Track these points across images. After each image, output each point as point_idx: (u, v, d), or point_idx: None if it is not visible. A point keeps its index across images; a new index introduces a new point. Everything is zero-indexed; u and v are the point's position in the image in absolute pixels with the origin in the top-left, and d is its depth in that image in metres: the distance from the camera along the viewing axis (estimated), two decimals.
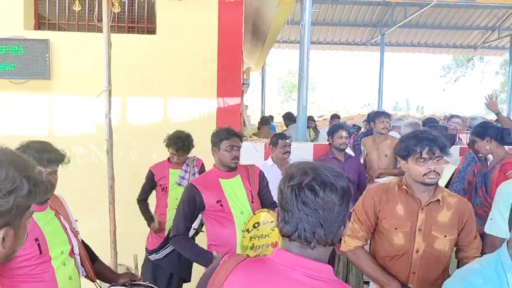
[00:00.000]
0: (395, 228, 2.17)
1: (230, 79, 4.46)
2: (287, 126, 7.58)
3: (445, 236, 2.14)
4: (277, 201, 1.17)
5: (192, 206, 2.64)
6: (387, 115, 4.64)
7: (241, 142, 2.81)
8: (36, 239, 1.86)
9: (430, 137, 2.10)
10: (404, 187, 2.19)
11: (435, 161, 2.08)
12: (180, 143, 3.54)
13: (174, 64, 4.52)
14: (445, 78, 24.68)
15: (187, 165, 3.70)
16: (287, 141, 4.07)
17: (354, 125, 11.36)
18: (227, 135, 2.73)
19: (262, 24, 7.42)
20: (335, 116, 7.15)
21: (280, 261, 1.11)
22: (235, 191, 2.71)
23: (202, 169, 3.74)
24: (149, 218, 3.74)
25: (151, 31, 4.80)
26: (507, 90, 14.96)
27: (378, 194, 2.24)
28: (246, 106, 5.89)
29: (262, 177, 2.89)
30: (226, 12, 4.45)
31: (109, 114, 3.06)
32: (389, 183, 2.34)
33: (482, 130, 3.55)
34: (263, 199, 2.85)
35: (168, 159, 3.73)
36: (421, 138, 2.10)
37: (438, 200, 2.15)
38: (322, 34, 13.68)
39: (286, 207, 1.10)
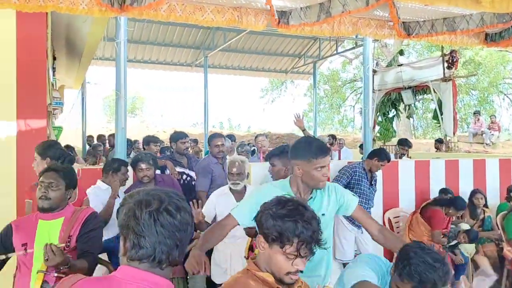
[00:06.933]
0: None
1: (33, 99, 3.97)
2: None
3: None
4: (121, 227, 1.18)
5: None
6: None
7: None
8: None
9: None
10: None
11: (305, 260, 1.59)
12: None
13: None
14: (264, 99, 27.14)
15: None
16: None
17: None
18: None
19: (76, 39, 6.90)
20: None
21: (124, 277, 1.14)
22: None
23: None
24: None
25: None
26: (313, 109, 17.24)
27: None
28: (59, 128, 5.32)
29: None
30: (27, 25, 3.96)
31: None
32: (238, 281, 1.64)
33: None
34: None
35: None
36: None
37: None
38: (147, 53, 13.56)
39: (142, 233, 1.12)
